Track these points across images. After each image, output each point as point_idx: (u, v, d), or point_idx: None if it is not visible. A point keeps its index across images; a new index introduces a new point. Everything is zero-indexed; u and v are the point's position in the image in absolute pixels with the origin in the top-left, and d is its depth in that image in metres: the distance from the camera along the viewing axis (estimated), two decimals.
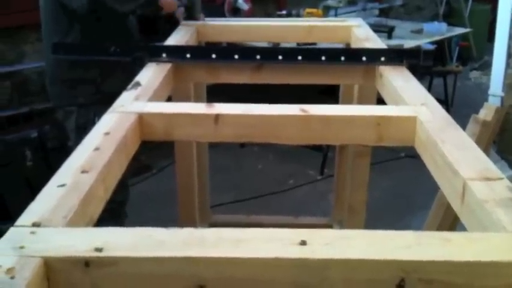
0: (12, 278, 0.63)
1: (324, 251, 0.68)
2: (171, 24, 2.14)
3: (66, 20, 2.12)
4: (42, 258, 0.67)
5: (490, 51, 3.95)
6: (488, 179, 0.86)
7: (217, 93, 2.66)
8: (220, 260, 0.68)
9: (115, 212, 2.29)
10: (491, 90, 2.32)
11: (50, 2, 2.15)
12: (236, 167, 3.96)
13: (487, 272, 0.67)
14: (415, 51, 1.61)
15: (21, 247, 0.69)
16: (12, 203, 2.88)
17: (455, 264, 0.67)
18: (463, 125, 1.34)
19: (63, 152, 3.13)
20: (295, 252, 0.68)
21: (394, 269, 0.67)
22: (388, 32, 4.09)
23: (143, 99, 1.25)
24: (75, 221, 0.78)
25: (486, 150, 2.06)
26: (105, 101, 1.30)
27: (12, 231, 0.73)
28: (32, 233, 0.72)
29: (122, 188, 2.37)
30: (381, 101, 1.50)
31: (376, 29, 3.40)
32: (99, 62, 2.03)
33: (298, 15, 4.20)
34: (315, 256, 0.67)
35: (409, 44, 3.92)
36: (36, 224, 0.74)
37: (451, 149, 0.96)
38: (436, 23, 4.67)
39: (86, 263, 0.67)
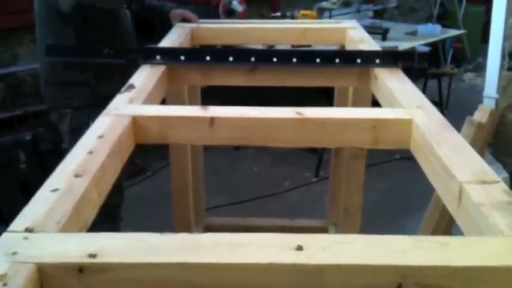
0: (4, 285, 0.62)
1: (320, 256, 0.67)
2: (166, 27, 2.13)
3: (59, 22, 2.11)
4: (35, 265, 0.66)
5: (483, 53, 3.97)
6: (484, 182, 0.85)
7: (212, 95, 2.65)
8: (215, 265, 0.67)
9: (110, 215, 2.27)
10: (485, 92, 2.33)
11: (43, 4, 2.15)
12: (231, 170, 3.95)
13: (485, 276, 0.66)
14: (410, 54, 1.61)
15: (14, 253, 0.68)
16: (6, 205, 2.87)
17: (452, 269, 0.66)
18: (458, 127, 1.34)
19: (57, 154, 3.12)
20: (292, 258, 0.67)
21: (392, 273, 0.66)
22: (383, 34, 4.10)
23: (137, 101, 1.24)
24: (68, 226, 0.77)
25: (481, 153, 2.06)
26: (100, 103, 1.29)
27: (4, 237, 0.72)
28: (25, 238, 0.71)
29: (117, 191, 2.36)
30: (375, 103, 1.50)
31: (371, 30, 3.40)
32: (93, 64, 2.02)
33: (292, 17, 4.20)
34: (311, 261, 0.67)
35: (403, 46, 3.93)
36: (29, 230, 0.73)
37: (447, 151, 0.96)
38: (430, 24, 4.68)
39: (80, 269, 0.67)
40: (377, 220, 2.88)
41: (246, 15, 3.67)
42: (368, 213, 2.22)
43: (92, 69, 2.15)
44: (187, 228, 2.12)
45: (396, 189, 3.61)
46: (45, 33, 2.17)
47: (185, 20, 2.18)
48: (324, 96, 3.92)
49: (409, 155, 1.15)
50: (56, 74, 2.19)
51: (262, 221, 2.60)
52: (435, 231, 2.15)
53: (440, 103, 4.75)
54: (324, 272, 0.67)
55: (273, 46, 3.19)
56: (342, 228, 2.19)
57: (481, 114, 2.16)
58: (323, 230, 2.42)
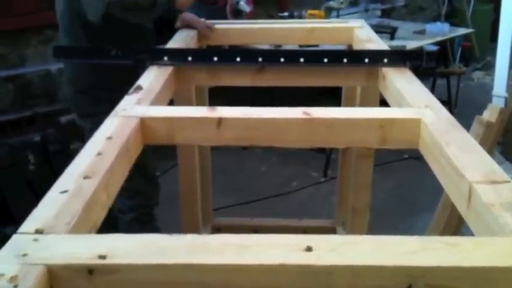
0: (15, 286, 0.63)
1: (329, 257, 0.67)
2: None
3: (79, 25, 2.04)
4: (45, 266, 0.67)
5: (492, 52, 3.94)
6: (494, 182, 0.85)
7: (219, 96, 2.65)
8: (224, 266, 0.67)
9: (150, 215, 2.28)
10: (495, 91, 2.32)
11: (65, 7, 2.07)
12: (239, 170, 3.95)
13: (495, 277, 0.66)
14: (418, 53, 1.60)
15: (24, 255, 0.68)
16: (15, 206, 2.88)
17: (462, 270, 0.66)
18: (467, 126, 1.33)
19: (66, 155, 3.12)
20: (301, 259, 0.67)
21: (401, 275, 0.66)
22: (391, 33, 4.08)
23: (145, 103, 1.25)
24: (78, 227, 0.77)
25: (490, 152, 2.05)
26: None
27: (14, 239, 0.72)
28: (35, 240, 0.72)
29: (156, 189, 2.35)
30: (383, 103, 1.50)
31: (379, 30, 3.40)
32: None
33: (300, 17, 4.20)
34: (320, 262, 0.66)
35: (411, 45, 3.91)
36: (39, 231, 0.73)
37: (457, 151, 0.95)
38: (438, 23, 4.65)
39: (90, 270, 0.67)
40: (385, 219, 2.87)
41: (254, 16, 3.67)
42: (376, 213, 2.22)
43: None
44: (195, 229, 2.13)
45: (404, 189, 3.59)
46: (66, 34, 2.09)
47: (190, 26, 2.12)
48: (329, 96, 3.92)
49: (417, 154, 1.15)
50: (91, 80, 2.10)
51: (270, 221, 2.60)
52: (444, 231, 2.14)
53: (449, 102, 4.72)
54: (332, 273, 0.67)
55: (280, 46, 3.18)
56: (350, 228, 2.18)
57: (490, 113, 2.14)
58: (331, 230, 2.42)
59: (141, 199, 2.26)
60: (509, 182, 0.85)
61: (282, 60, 1.57)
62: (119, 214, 2.26)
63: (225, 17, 2.99)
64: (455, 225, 2.11)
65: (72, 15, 2.04)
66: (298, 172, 3.87)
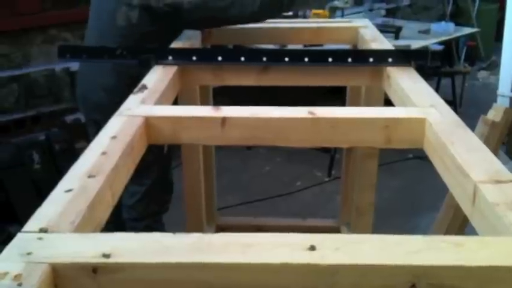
0: (19, 285, 0.63)
1: (333, 257, 0.67)
2: None
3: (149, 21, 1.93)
4: (49, 265, 0.67)
5: (497, 51, 3.93)
6: (499, 181, 0.84)
7: (224, 95, 2.65)
8: (228, 265, 0.67)
9: (160, 222, 2.27)
10: (499, 91, 2.31)
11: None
12: (243, 169, 3.95)
13: (499, 277, 0.66)
14: (423, 52, 1.60)
15: (29, 253, 0.68)
16: (20, 205, 2.89)
17: (466, 269, 0.66)
18: (472, 125, 1.32)
19: (71, 154, 3.12)
20: (304, 258, 0.67)
21: (405, 274, 0.66)
22: (395, 33, 4.08)
23: (150, 102, 1.25)
24: (82, 226, 0.77)
25: (495, 152, 2.04)
26: None
27: (19, 237, 0.72)
28: (39, 238, 0.72)
29: (171, 192, 2.32)
30: (388, 102, 1.49)
31: (383, 29, 3.40)
32: None
33: (304, 17, 4.19)
34: (324, 261, 0.66)
35: (416, 44, 3.90)
36: (43, 230, 0.74)
37: (461, 151, 0.95)
38: (443, 23, 4.64)
39: (94, 269, 0.67)
40: (389, 219, 2.87)
41: None
42: (380, 212, 2.21)
43: None
44: (199, 228, 2.13)
45: (408, 189, 3.59)
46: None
47: None
48: (333, 96, 3.92)
49: (422, 154, 1.14)
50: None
51: (274, 220, 2.60)
52: (449, 230, 2.13)
53: (453, 102, 4.72)
54: (337, 272, 0.66)
55: (285, 46, 3.18)
56: (354, 227, 2.18)
57: (495, 113, 2.13)
58: (335, 229, 2.42)
59: (158, 206, 2.26)
60: None
61: (286, 59, 1.56)
62: (131, 223, 2.23)
63: None
64: (460, 225, 2.10)
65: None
66: (303, 172, 3.87)
